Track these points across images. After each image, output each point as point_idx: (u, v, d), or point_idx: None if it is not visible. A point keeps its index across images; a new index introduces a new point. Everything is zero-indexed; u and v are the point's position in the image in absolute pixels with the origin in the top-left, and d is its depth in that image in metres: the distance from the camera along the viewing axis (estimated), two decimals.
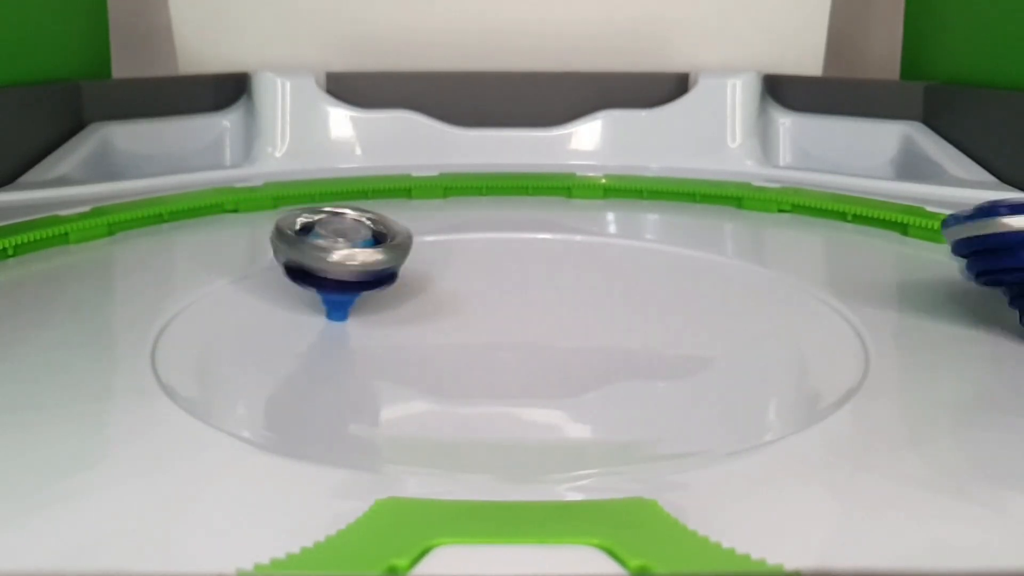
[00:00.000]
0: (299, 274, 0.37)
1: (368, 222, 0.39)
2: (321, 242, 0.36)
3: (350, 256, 0.36)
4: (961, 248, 0.37)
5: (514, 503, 0.23)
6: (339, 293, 0.38)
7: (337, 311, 0.39)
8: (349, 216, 0.39)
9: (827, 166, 0.70)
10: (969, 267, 0.37)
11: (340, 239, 0.37)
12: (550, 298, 0.45)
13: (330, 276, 0.37)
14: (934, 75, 0.74)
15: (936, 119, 0.70)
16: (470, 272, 0.49)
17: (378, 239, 0.38)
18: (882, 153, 0.71)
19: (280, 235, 0.37)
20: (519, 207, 0.63)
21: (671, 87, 0.76)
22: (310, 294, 0.39)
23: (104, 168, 0.66)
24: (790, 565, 0.19)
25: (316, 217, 0.38)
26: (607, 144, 0.74)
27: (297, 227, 0.38)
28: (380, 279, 0.38)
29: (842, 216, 0.58)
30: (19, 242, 0.48)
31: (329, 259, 0.36)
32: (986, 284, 0.37)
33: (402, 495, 0.23)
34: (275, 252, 0.38)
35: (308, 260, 0.36)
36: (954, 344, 0.37)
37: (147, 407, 0.30)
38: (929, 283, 0.46)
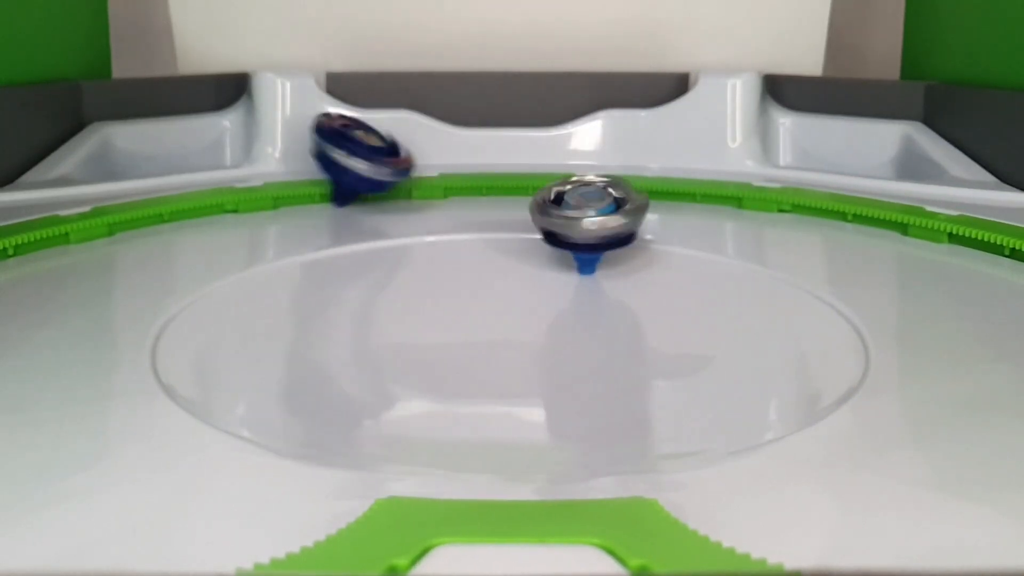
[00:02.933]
0: (554, 239, 0.45)
1: (611, 189, 0.45)
2: (572, 212, 0.43)
3: (596, 223, 0.43)
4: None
5: (514, 503, 0.23)
6: (588, 252, 0.46)
7: (587, 267, 0.46)
8: (594, 183, 0.45)
9: (827, 166, 0.70)
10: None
11: (587, 207, 0.43)
12: (550, 298, 0.45)
13: (580, 241, 0.44)
14: (934, 75, 0.74)
15: (936, 119, 0.70)
16: (470, 272, 0.49)
17: (619, 204, 0.44)
18: (882, 153, 0.71)
19: (538, 207, 0.45)
20: (519, 207, 0.63)
21: (671, 87, 0.76)
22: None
23: (104, 168, 0.66)
24: (790, 565, 0.19)
25: (566, 187, 0.45)
26: (607, 144, 0.74)
27: (551, 197, 0.45)
28: (622, 240, 0.45)
29: (842, 216, 0.58)
30: (19, 242, 0.48)
31: (579, 227, 0.43)
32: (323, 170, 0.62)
33: (402, 495, 0.23)
34: (533, 221, 0.45)
35: (561, 228, 0.44)
36: (954, 344, 0.37)
37: (147, 407, 0.30)
38: (929, 283, 0.46)
